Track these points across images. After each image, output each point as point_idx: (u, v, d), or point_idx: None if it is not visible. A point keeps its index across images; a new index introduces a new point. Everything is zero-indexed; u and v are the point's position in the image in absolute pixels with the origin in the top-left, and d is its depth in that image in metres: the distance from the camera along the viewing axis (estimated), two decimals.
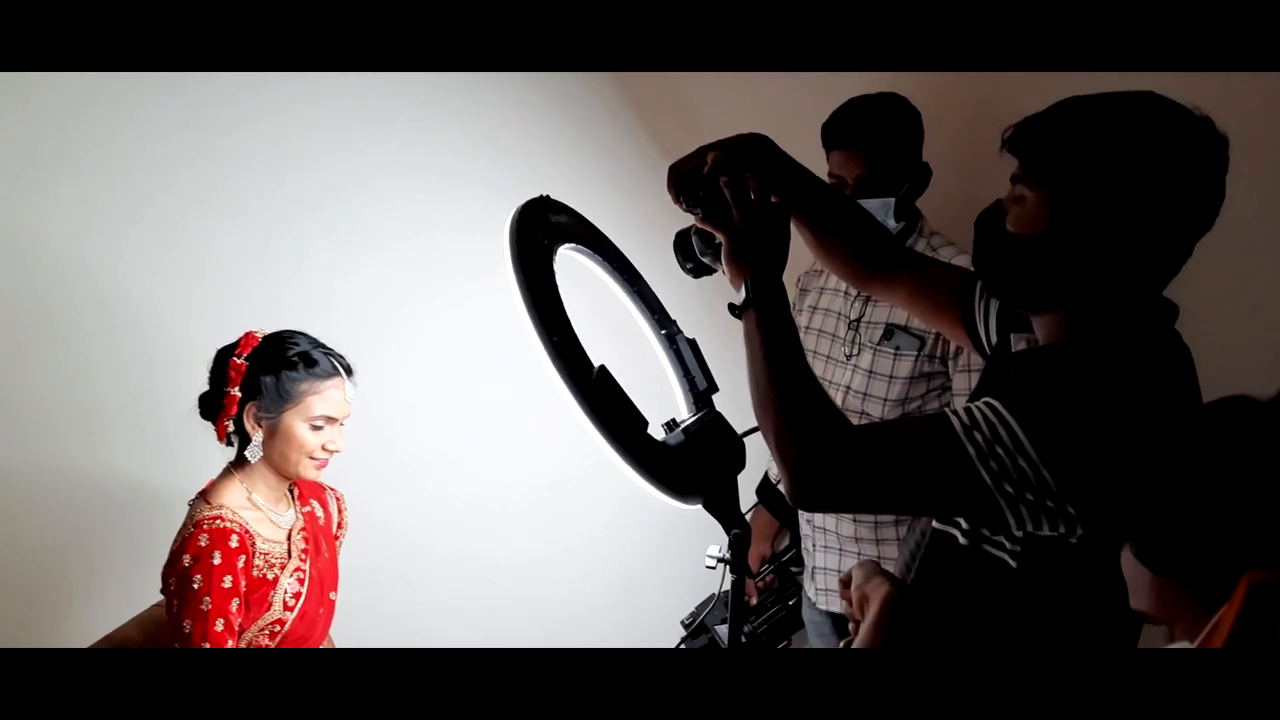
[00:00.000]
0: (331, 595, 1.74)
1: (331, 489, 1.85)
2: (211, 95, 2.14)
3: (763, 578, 2.11)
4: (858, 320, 1.94)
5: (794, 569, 2.10)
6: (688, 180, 1.26)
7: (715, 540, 1.36)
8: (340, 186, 2.23)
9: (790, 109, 2.18)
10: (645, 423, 1.23)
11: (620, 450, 1.19)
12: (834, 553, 2.00)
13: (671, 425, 1.38)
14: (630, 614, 2.49)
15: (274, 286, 2.18)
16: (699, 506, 1.31)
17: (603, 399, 1.19)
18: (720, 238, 1.23)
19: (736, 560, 1.34)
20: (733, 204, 1.21)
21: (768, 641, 1.90)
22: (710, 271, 1.38)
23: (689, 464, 1.28)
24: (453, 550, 2.39)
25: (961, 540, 1.12)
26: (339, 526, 1.84)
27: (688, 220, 1.32)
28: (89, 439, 2.20)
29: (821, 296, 2.05)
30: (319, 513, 1.78)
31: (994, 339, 1.27)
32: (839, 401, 1.93)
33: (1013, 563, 1.07)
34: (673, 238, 1.40)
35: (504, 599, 2.42)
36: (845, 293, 1.99)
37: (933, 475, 1.03)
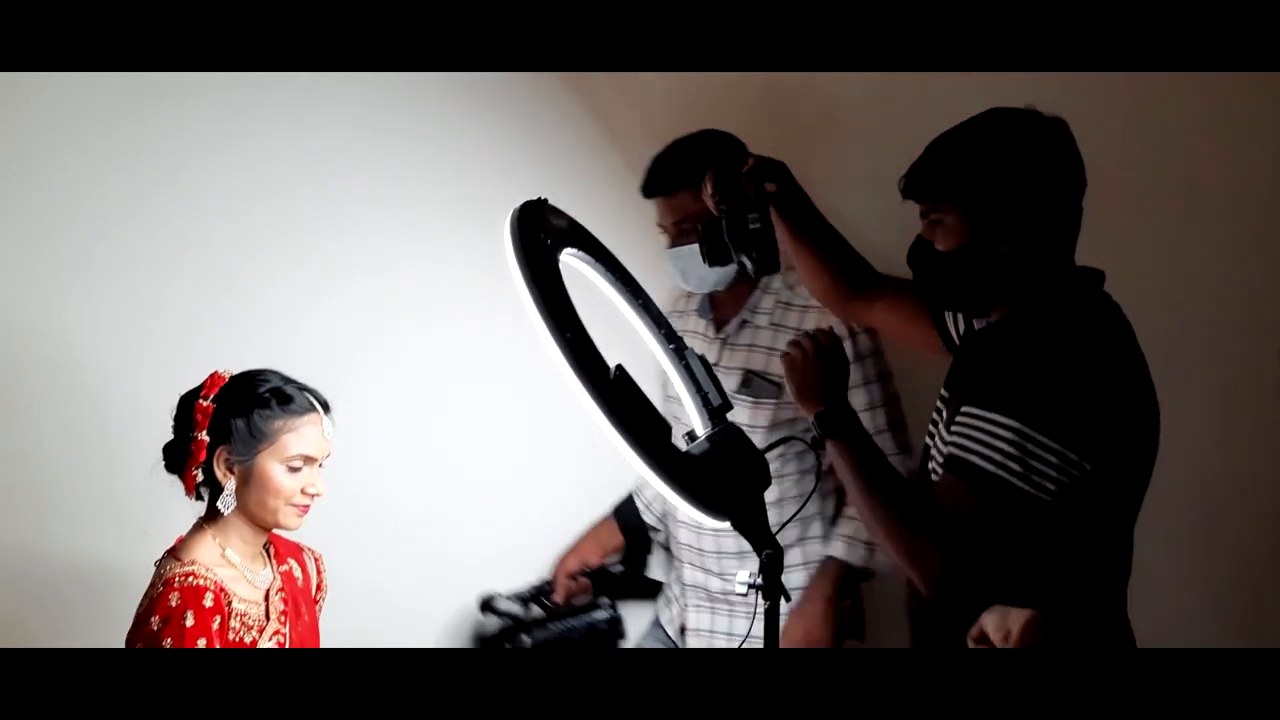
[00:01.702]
0: None
1: (309, 549, 1.71)
2: (162, 133, 2.05)
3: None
4: (714, 365, 1.85)
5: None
6: (727, 177, 1.45)
7: None
8: (302, 224, 2.14)
9: (770, 111, 2.15)
10: (668, 427, 1.13)
11: (644, 455, 1.09)
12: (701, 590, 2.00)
13: (691, 437, 1.28)
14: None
15: (235, 335, 2.05)
16: (726, 525, 1.21)
17: (623, 399, 1.09)
18: (784, 367, 1.46)
19: (770, 583, 1.23)
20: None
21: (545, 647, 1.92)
22: (727, 263, 1.51)
23: (715, 475, 1.18)
24: (437, 608, 2.24)
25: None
26: (318, 589, 1.69)
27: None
28: (44, 512, 2.05)
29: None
30: (297, 573, 1.64)
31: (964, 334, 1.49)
32: None
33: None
34: (700, 232, 1.51)
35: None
36: (704, 334, 1.97)
37: (998, 516, 1.27)
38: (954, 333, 1.51)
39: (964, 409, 1.30)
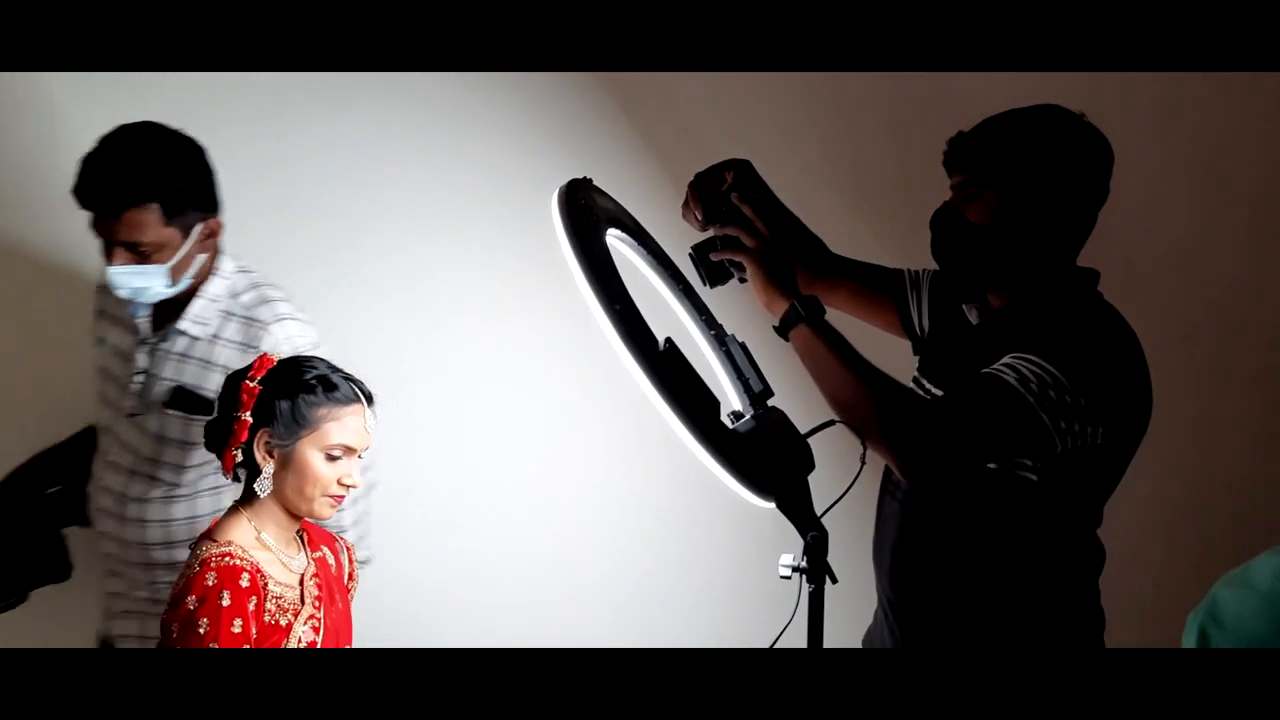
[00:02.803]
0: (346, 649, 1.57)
1: (341, 538, 1.70)
2: (200, 134, 2.07)
3: None
4: (145, 372, 1.73)
5: None
6: (710, 197, 1.40)
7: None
8: (336, 223, 2.15)
9: (789, 110, 2.15)
10: (717, 403, 1.13)
11: (693, 429, 1.09)
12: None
13: (737, 416, 1.28)
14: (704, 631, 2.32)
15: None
16: (771, 506, 1.20)
17: (673, 372, 1.09)
18: (746, 263, 1.37)
19: (814, 566, 1.22)
20: (756, 220, 1.37)
21: None
22: (726, 280, 1.45)
23: (763, 454, 1.18)
24: (470, 605, 2.22)
25: (991, 466, 1.36)
26: (350, 578, 1.68)
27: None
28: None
29: (114, 330, 1.80)
30: (330, 560, 1.63)
31: (926, 325, 1.55)
32: (128, 464, 1.76)
33: (1034, 477, 1.35)
34: (688, 250, 1.42)
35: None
36: (133, 336, 1.76)
37: (1007, 426, 1.27)
38: (917, 325, 1.56)
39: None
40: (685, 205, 1.42)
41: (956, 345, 1.46)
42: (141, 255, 1.64)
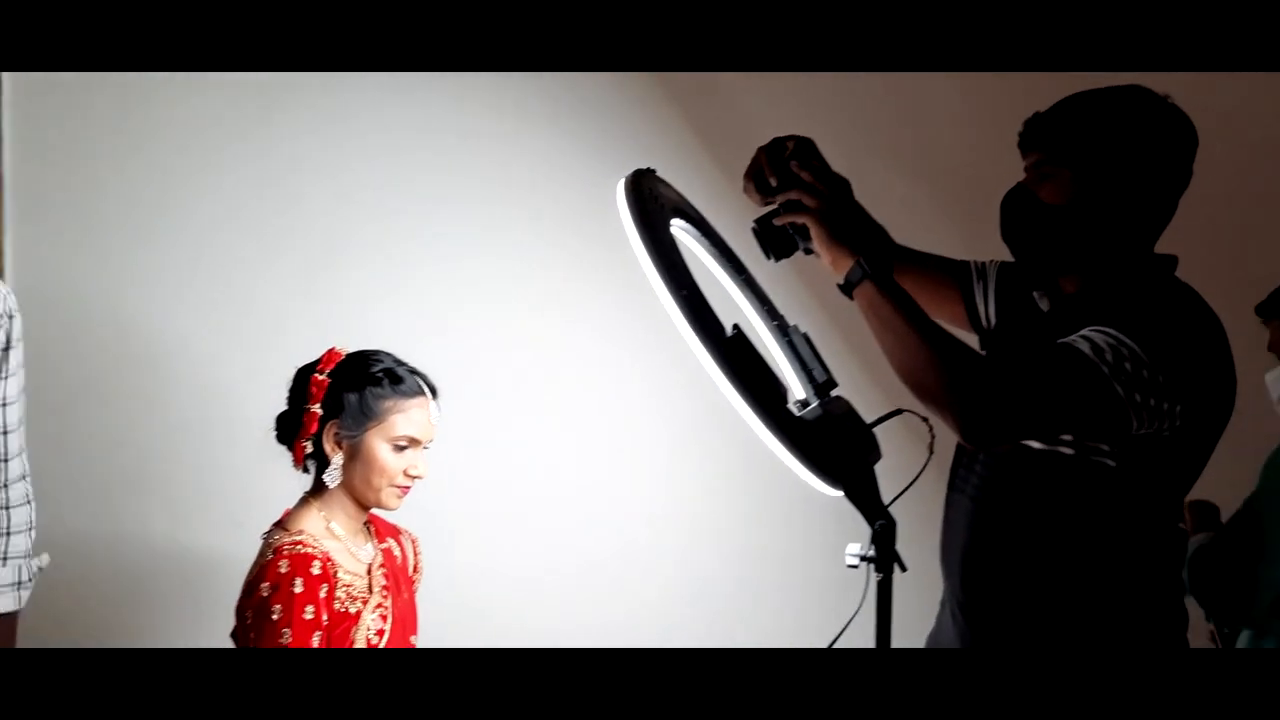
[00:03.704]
0: (412, 639, 1.60)
1: (407, 531, 1.73)
2: (253, 135, 2.12)
3: None
4: None
5: None
6: (777, 163, 1.36)
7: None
8: (388, 223, 2.18)
9: (840, 108, 2.14)
10: (785, 389, 1.13)
11: (762, 415, 1.09)
12: None
13: (803, 405, 1.27)
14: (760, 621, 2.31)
15: (328, 330, 2.09)
16: (839, 494, 1.19)
17: (740, 358, 1.09)
18: (809, 223, 1.33)
19: (882, 556, 1.21)
20: (818, 184, 1.34)
21: None
22: (791, 252, 1.41)
23: (830, 441, 1.17)
24: (528, 603, 2.23)
25: (1067, 451, 1.31)
26: (415, 570, 1.70)
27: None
28: (139, 502, 2.11)
29: None
30: (396, 552, 1.65)
31: (993, 317, 1.51)
32: None
33: (1111, 463, 1.29)
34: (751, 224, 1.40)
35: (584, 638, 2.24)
36: None
37: (1077, 395, 1.21)
38: (983, 316, 1.52)
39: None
40: (746, 178, 1.39)
41: (1026, 335, 1.43)
42: None
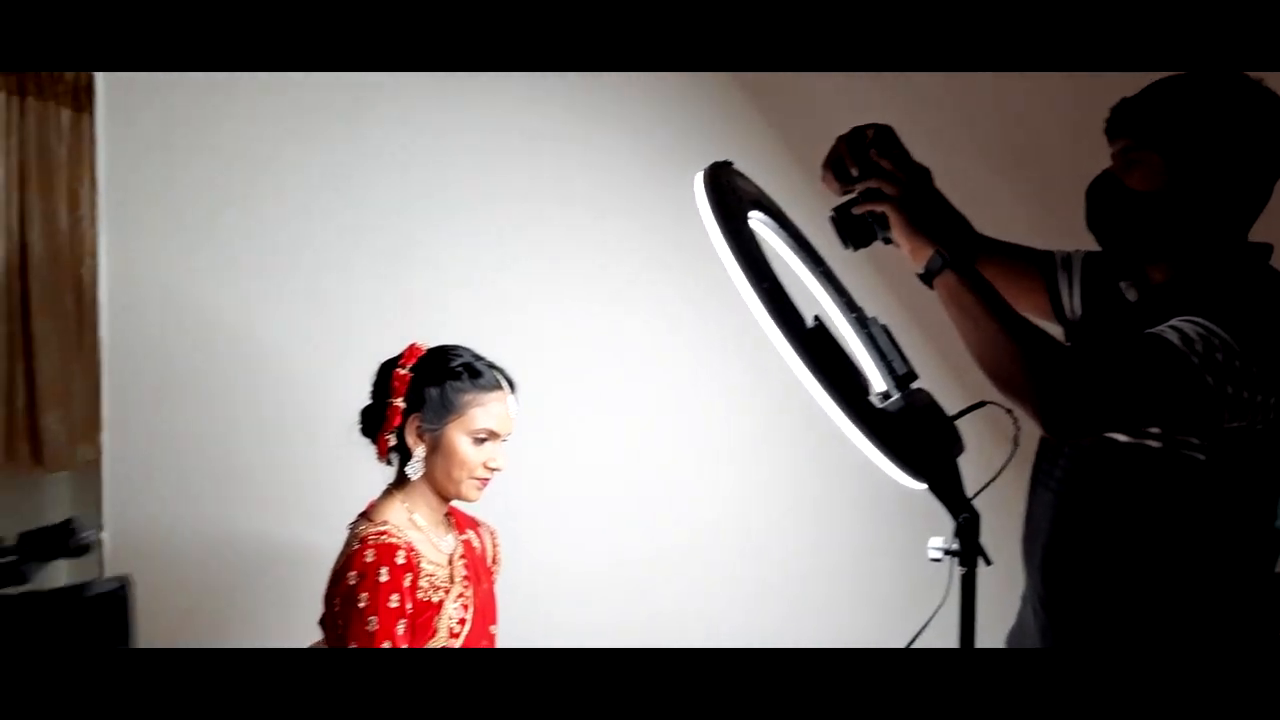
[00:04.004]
0: (492, 629, 1.62)
1: (485, 523, 1.76)
2: (335, 134, 2.16)
3: None
4: None
5: None
6: (857, 152, 1.35)
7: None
8: (465, 223, 2.21)
9: (918, 99, 2.11)
10: (867, 381, 1.12)
11: (845, 407, 1.08)
12: None
13: (885, 397, 1.26)
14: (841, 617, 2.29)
15: (409, 328, 2.14)
16: (923, 487, 1.18)
17: (822, 350, 1.08)
18: (888, 211, 1.32)
19: (967, 549, 1.19)
20: (898, 172, 1.32)
21: None
22: (869, 242, 1.39)
23: (914, 433, 1.16)
24: (608, 599, 2.24)
25: (1154, 445, 1.28)
26: (494, 561, 1.73)
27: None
28: (226, 495, 2.17)
29: None
30: (476, 543, 1.69)
31: (1078, 308, 1.47)
32: None
33: (1202, 456, 1.25)
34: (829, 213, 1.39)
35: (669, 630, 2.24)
36: None
37: (1165, 386, 1.18)
38: (1068, 307, 1.49)
39: None
40: (824, 167, 1.38)
41: (1113, 326, 1.39)
42: None
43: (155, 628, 2.16)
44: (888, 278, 2.02)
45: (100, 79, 2.17)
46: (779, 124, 2.22)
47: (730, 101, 2.22)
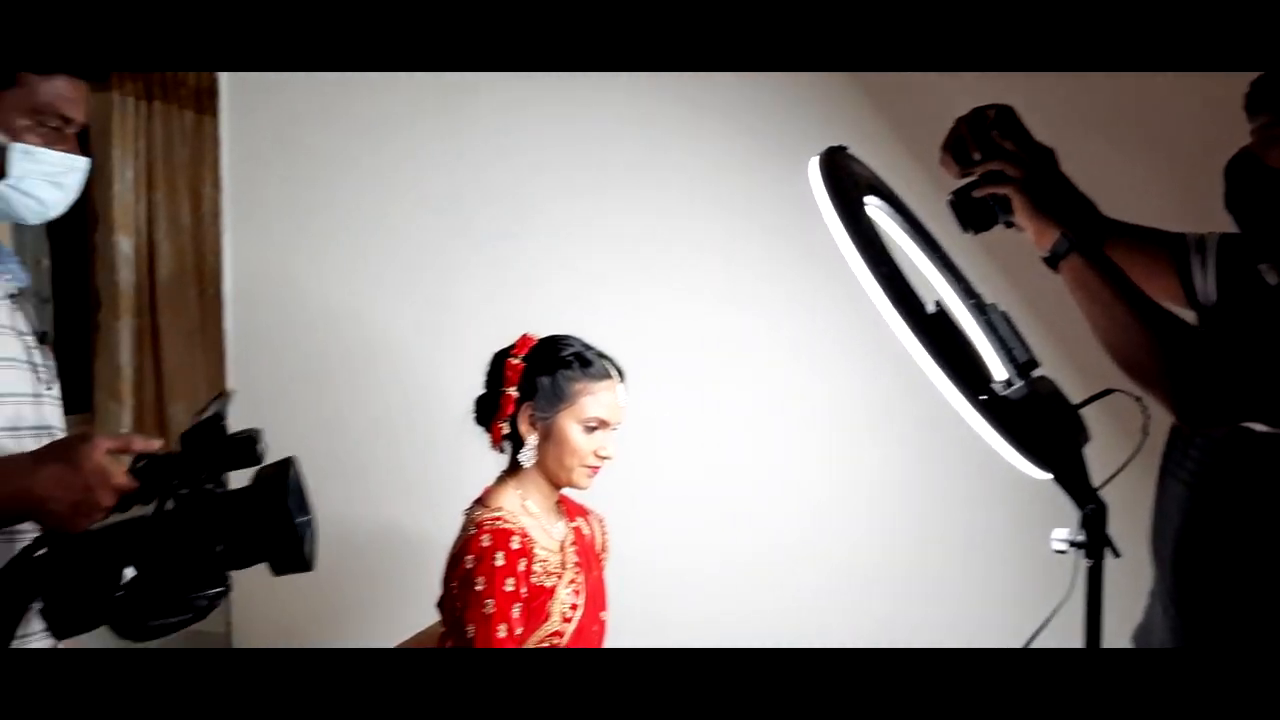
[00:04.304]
0: (602, 615, 1.64)
1: (594, 511, 1.78)
2: (461, 134, 2.21)
3: None
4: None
5: None
6: (978, 134, 1.31)
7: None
8: (577, 214, 2.23)
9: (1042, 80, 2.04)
10: (989, 368, 1.10)
11: (967, 393, 1.06)
12: None
13: (1007, 384, 1.23)
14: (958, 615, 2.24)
15: (524, 321, 2.18)
16: (1048, 477, 1.15)
17: (944, 335, 1.06)
18: (1011, 194, 1.27)
19: (1093, 541, 1.16)
20: (1021, 153, 1.28)
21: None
22: (990, 225, 1.36)
23: (1038, 422, 1.13)
24: (716, 596, 2.24)
25: None
26: (602, 549, 1.75)
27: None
28: (346, 485, 2.24)
29: None
30: (585, 530, 1.71)
31: (1213, 293, 1.40)
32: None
33: None
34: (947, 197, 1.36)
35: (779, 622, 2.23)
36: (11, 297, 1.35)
37: None
38: (1202, 290, 1.42)
39: None
40: (943, 150, 1.35)
41: (1251, 311, 1.33)
42: None
43: (277, 610, 2.27)
44: (998, 264, 1.97)
45: (224, 80, 2.26)
46: (892, 116, 2.18)
47: (842, 94, 2.19)
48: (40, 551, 1.06)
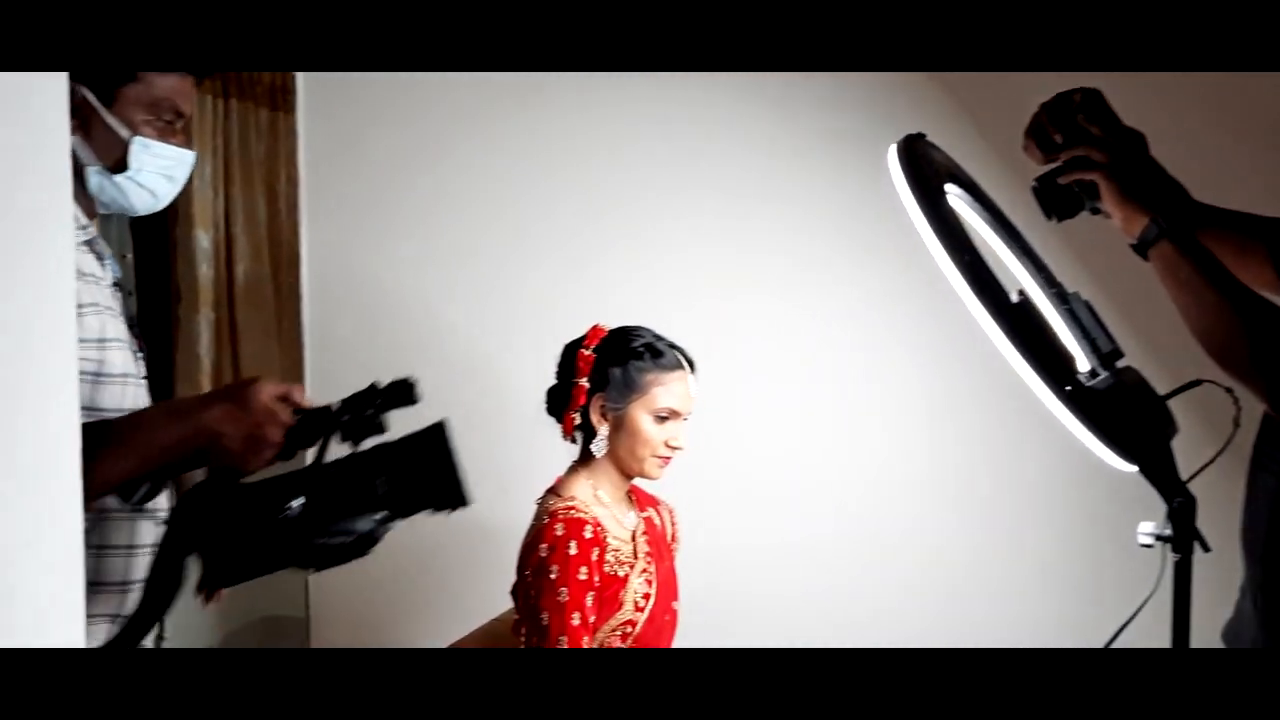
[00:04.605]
0: (674, 605, 1.64)
1: (663, 501, 1.78)
2: (535, 131, 2.23)
3: None
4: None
5: None
6: (1055, 122, 1.27)
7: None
8: (646, 206, 2.23)
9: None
10: (1073, 358, 1.07)
11: (1051, 384, 1.04)
12: None
13: (1092, 374, 1.20)
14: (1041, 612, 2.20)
15: (590, 314, 2.19)
16: (1134, 470, 1.12)
17: (1028, 325, 1.04)
18: (1098, 180, 1.23)
19: (1181, 535, 1.13)
20: (1109, 137, 1.24)
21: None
22: (1075, 212, 1.31)
23: (1125, 413, 1.11)
24: (779, 595, 2.23)
25: None
26: (673, 539, 1.75)
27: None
28: None
29: (87, 289, 1.26)
30: (656, 520, 1.71)
31: None
32: None
33: None
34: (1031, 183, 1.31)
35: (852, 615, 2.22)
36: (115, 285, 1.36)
37: None
38: None
39: None
40: (1026, 136, 1.31)
41: None
42: None
43: (354, 596, 2.32)
44: (1075, 251, 1.93)
45: (300, 80, 2.31)
46: (967, 103, 2.14)
47: (913, 82, 2.15)
48: (201, 499, 1.11)
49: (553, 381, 1.64)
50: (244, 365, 3.29)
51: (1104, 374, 1.21)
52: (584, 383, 1.56)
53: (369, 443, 1.22)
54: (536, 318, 2.20)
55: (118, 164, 1.26)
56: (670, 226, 2.24)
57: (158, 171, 1.29)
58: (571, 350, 1.61)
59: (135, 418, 1.18)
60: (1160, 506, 1.16)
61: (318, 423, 1.17)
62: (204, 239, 3.17)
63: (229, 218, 3.26)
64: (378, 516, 1.15)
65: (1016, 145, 1.34)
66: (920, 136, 1.22)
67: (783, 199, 2.22)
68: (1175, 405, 1.22)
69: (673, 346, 1.61)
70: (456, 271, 2.26)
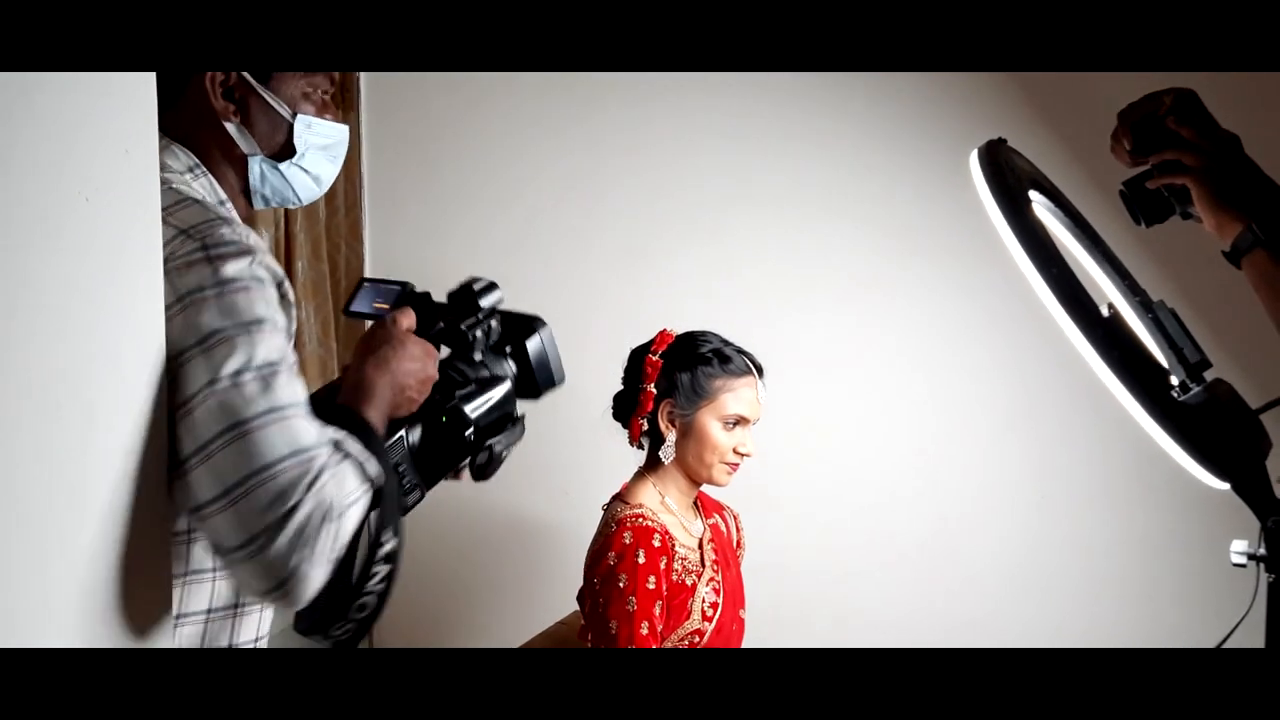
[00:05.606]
0: (741, 613, 1.63)
1: (729, 507, 1.77)
2: (587, 129, 2.22)
3: None
4: None
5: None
6: (1144, 125, 1.21)
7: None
8: (710, 210, 2.22)
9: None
10: (1166, 372, 1.04)
11: (1142, 399, 1.01)
12: None
13: (1183, 388, 1.17)
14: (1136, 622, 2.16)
15: (641, 316, 2.18)
16: (1226, 487, 1.08)
17: (1117, 339, 1.01)
18: (1190, 184, 1.18)
19: (1276, 555, 1.09)
20: (1202, 140, 1.18)
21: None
22: (1165, 217, 1.25)
23: (1218, 429, 1.07)
24: (846, 596, 2.21)
25: None
26: (739, 545, 1.74)
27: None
28: None
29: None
30: (722, 527, 1.70)
31: None
32: None
33: None
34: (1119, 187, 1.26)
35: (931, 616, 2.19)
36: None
37: None
38: None
39: None
40: (1114, 138, 1.27)
41: None
42: None
43: (420, 594, 2.33)
44: (1155, 259, 1.88)
45: (364, 81, 2.33)
46: (1045, 105, 2.09)
47: (992, 85, 2.11)
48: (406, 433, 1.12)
49: (618, 387, 1.63)
50: (305, 361, 3.32)
51: (1195, 388, 1.17)
52: (651, 388, 1.56)
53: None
54: (602, 321, 2.20)
55: (280, 150, 1.12)
56: (739, 232, 2.23)
57: (321, 152, 1.15)
58: (639, 355, 1.60)
59: (361, 380, 1.04)
60: (1245, 519, 1.12)
61: (446, 338, 1.18)
62: (265, 237, 3.21)
63: (289, 217, 3.29)
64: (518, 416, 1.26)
65: (1088, 145, 1.31)
66: (1001, 141, 1.19)
67: (861, 200, 2.19)
68: (1267, 420, 1.19)
69: (741, 352, 1.60)
70: (520, 272, 2.26)
